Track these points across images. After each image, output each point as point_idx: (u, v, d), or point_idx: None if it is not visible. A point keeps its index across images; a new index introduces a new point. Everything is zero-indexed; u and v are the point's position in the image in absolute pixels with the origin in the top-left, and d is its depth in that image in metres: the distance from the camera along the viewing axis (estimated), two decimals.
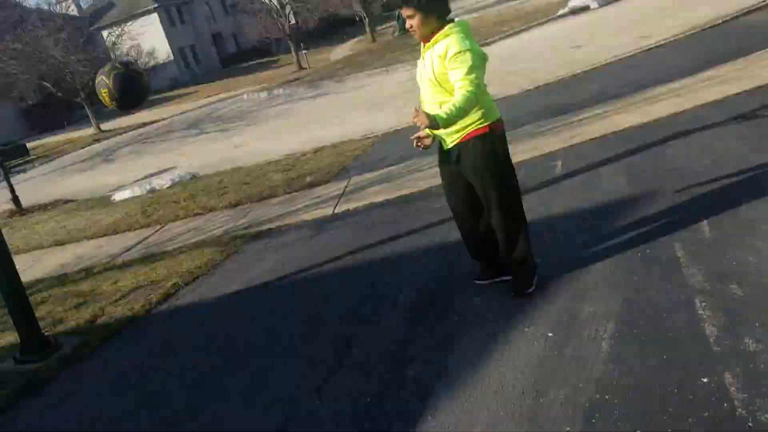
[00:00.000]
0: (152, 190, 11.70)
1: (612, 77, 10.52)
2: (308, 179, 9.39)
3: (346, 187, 8.37)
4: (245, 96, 28.99)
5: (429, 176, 7.71)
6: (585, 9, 22.08)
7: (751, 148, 5.44)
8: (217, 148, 16.26)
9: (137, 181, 13.68)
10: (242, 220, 8.13)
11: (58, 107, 41.09)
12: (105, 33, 44.73)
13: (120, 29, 41.83)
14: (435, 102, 3.62)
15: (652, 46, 12.26)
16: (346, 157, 10.36)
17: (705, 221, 4.28)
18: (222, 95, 32.68)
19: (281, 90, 26.91)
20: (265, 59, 54.61)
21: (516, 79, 13.12)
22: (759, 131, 5.89)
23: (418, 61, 3.76)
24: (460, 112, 3.36)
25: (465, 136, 3.64)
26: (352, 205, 7.41)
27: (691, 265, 3.75)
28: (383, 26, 53.61)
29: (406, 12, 3.58)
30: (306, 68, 35.79)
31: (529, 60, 15.41)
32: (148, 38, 49.46)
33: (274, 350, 4.19)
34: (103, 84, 5.07)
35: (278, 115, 19.84)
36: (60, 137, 34.31)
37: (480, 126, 3.62)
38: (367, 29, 43.64)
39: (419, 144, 3.66)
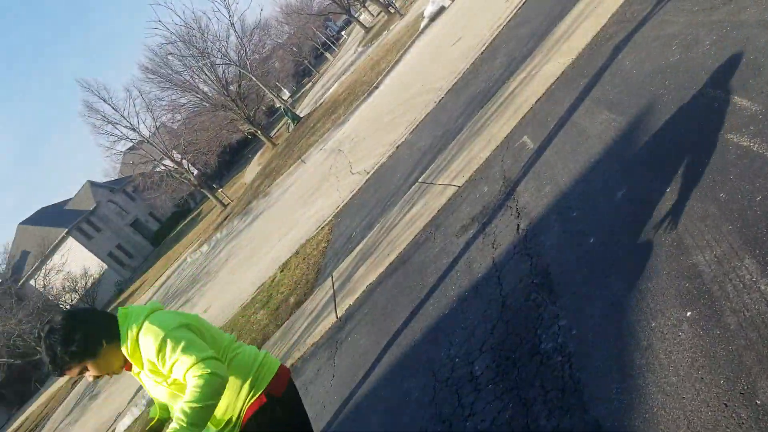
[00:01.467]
0: (150, 402, 10.59)
1: (511, 42, 10.06)
2: (291, 299, 8.55)
3: (333, 285, 7.55)
4: (188, 259, 28.04)
5: (404, 227, 6.99)
6: (442, 10, 22.15)
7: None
8: None
9: (132, 399, 12.53)
10: None
11: (24, 374, 39.40)
12: (32, 281, 43.46)
13: (44, 270, 40.69)
14: None
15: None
16: (313, 257, 9.56)
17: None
18: (168, 271, 31.66)
19: (218, 235, 26.11)
20: (188, 218, 54.09)
21: (423, 98, 12.63)
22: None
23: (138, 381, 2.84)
24: (205, 400, 2.43)
25: (242, 420, 2.71)
26: (351, 300, 6.58)
27: None
28: (276, 129, 53.91)
29: (72, 374, 2.67)
30: (229, 203, 35.19)
31: (422, 76, 15.02)
32: (75, 262, 48.31)
33: None
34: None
35: (229, 257, 18.97)
36: (40, 400, 32.52)
37: (254, 399, 2.72)
38: (264, 139, 43.59)
39: None
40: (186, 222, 53.34)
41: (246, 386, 2.72)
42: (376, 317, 5.59)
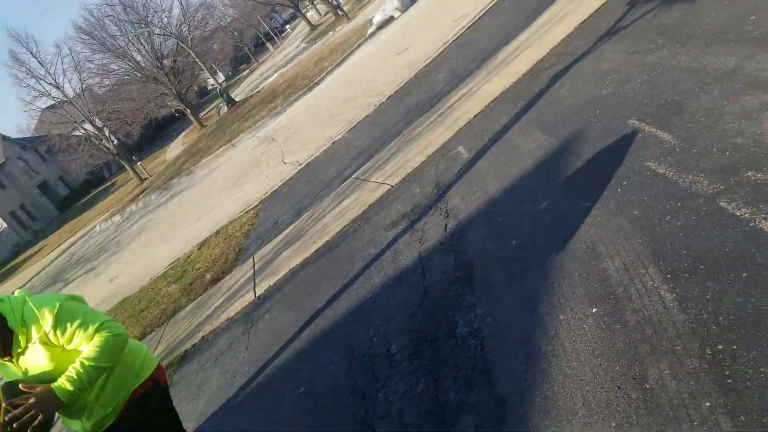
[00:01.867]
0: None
1: (455, 60, 10.43)
2: (207, 276, 8.51)
3: (253, 266, 7.60)
4: (97, 228, 27.06)
5: (334, 217, 7.15)
6: (390, 20, 22.48)
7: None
8: (92, 291, 14.77)
9: None
10: (159, 348, 7.14)
11: None
12: None
13: None
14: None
15: (473, 21, 12.40)
16: (235, 237, 9.55)
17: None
18: (73, 238, 30.41)
19: (133, 206, 25.35)
20: (101, 187, 52.16)
21: (364, 100, 12.85)
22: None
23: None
24: (102, 360, 2.54)
25: (126, 403, 2.75)
26: (271, 281, 6.67)
27: None
28: (206, 111, 52.79)
29: None
30: (147, 177, 34.21)
31: (365, 80, 15.23)
32: None
33: None
34: None
35: (142, 231, 18.51)
36: None
37: (142, 381, 2.79)
38: (192, 119, 42.64)
39: None
40: (98, 191, 51.43)
41: (135, 367, 2.76)
42: (297, 298, 5.71)
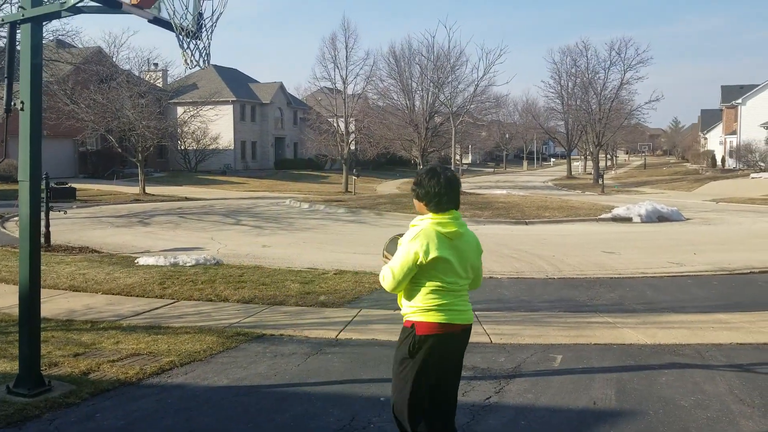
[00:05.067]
0: (175, 265, 12.11)
1: (632, 291, 10.83)
2: (322, 298, 9.70)
3: (355, 316, 8.65)
4: (288, 201, 30.05)
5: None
6: (627, 220, 22.90)
7: (737, 399, 5.64)
8: (246, 242, 16.83)
9: (164, 251, 14.18)
10: (249, 318, 8.41)
11: (113, 161, 43.05)
12: (180, 109, 47.54)
13: (195, 110, 44.44)
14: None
15: (678, 274, 12.59)
16: (363, 287, 10.65)
17: None
18: (266, 194, 33.90)
19: (322, 206, 27.90)
20: (316, 173, 56.99)
21: (543, 264, 13.57)
22: (750, 385, 6.08)
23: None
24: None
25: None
26: (355, 336, 7.66)
27: None
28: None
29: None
30: (351, 192, 37.17)
31: (560, 250, 15.91)
32: (218, 124, 52.34)
33: None
34: None
35: (312, 228, 20.52)
36: (105, 187, 35.67)
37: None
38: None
39: None
40: (312, 174, 56.39)
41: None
42: (353, 359, 6.63)
